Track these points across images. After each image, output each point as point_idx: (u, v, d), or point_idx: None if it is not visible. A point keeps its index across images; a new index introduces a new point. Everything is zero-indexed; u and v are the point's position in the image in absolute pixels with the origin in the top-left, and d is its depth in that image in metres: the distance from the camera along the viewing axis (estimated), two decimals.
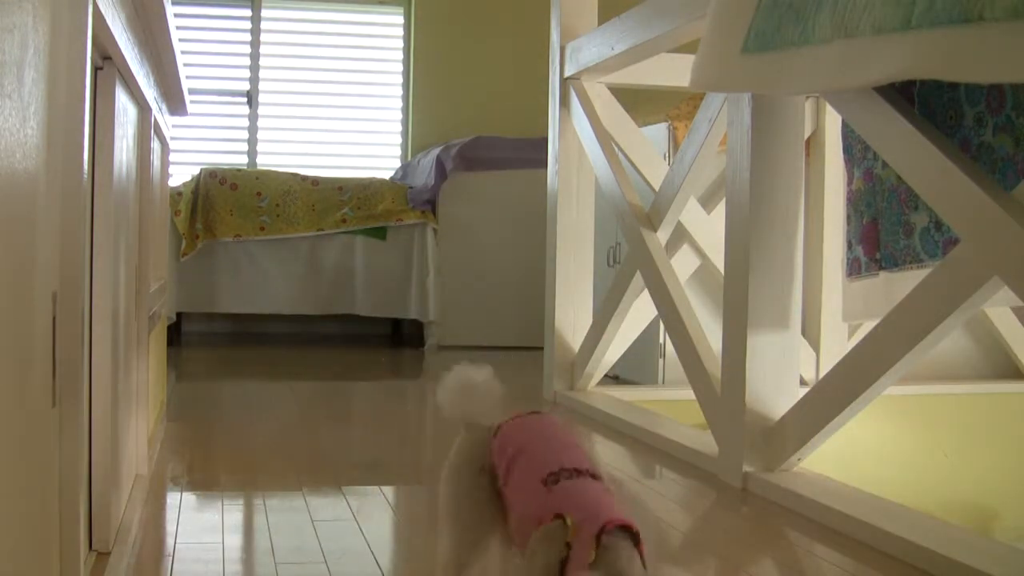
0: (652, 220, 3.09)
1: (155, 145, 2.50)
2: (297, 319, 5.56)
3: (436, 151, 5.34)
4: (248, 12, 6.01)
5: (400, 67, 6.24)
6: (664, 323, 3.00)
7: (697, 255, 3.59)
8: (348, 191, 5.24)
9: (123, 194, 1.79)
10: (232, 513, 2.12)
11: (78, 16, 1.14)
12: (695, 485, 2.46)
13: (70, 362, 1.13)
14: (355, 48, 6.22)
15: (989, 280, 1.76)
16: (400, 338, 5.60)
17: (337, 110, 6.15)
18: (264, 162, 6.01)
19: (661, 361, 3.87)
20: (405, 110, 6.22)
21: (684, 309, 2.81)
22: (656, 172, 3.40)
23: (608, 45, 3.23)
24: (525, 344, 4.95)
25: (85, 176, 1.19)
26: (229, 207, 5.12)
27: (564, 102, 3.64)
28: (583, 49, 3.46)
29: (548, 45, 3.74)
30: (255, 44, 6.03)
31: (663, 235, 3.08)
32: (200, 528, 1.99)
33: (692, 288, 3.65)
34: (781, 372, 2.40)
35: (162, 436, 2.84)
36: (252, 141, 6.04)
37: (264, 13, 6.03)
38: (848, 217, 2.49)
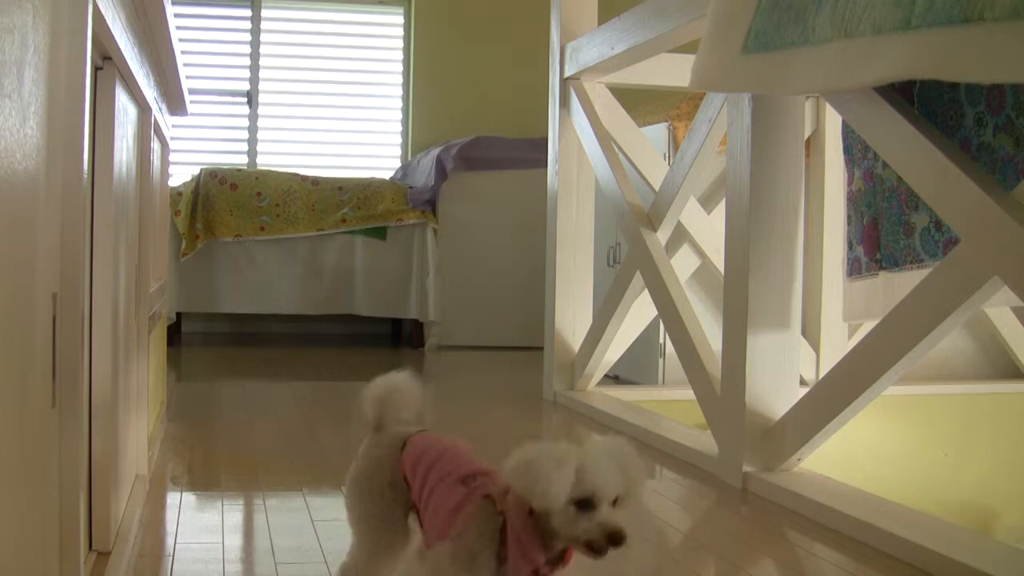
0: (652, 220, 3.09)
1: (155, 145, 2.50)
2: (297, 319, 5.57)
3: (436, 151, 5.34)
4: (248, 12, 6.01)
5: (400, 67, 6.24)
6: (664, 323, 3.00)
7: (697, 255, 3.59)
8: (348, 191, 5.24)
9: (123, 194, 1.79)
10: (232, 513, 2.12)
11: (78, 16, 1.14)
12: (695, 485, 2.46)
13: (70, 362, 1.13)
14: (355, 48, 6.22)
15: (989, 280, 1.76)
16: (400, 338, 5.60)
17: (337, 110, 6.15)
18: (264, 162, 6.01)
19: (661, 361, 3.87)
20: (405, 110, 6.22)
21: (684, 309, 2.81)
22: (656, 172, 3.40)
23: (608, 45, 3.23)
24: (525, 344, 4.95)
25: (85, 176, 1.19)
26: (229, 207, 5.12)
27: (564, 102, 3.64)
28: (583, 49, 3.46)
29: (548, 45, 3.74)
30: (255, 44, 6.03)
31: (663, 235, 3.08)
32: (200, 528, 1.99)
33: (692, 288, 3.65)
34: (781, 372, 2.40)
35: (162, 436, 2.84)
36: (252, 141, 6.04)
37: (264, 13, 6.03)
38: (848, 217, 2.49)
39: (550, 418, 3.42)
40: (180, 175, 5.37)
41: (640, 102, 4.32)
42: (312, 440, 3.03)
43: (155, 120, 2.37)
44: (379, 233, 5.21)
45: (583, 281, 3.69)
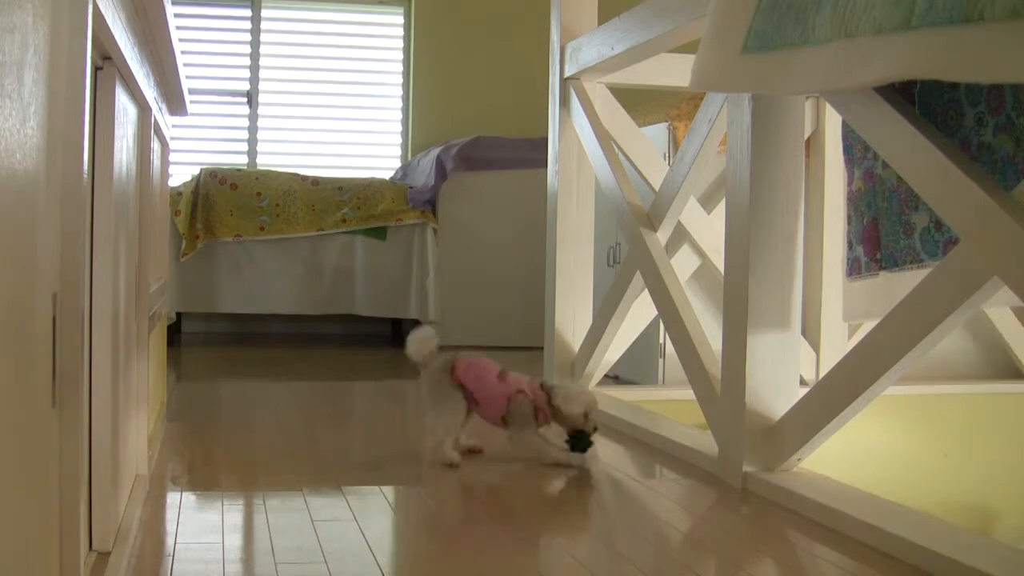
0: (652, 220, 3.09)
1: (155, 145, 2.50)
2: (297, 319, 5.57)
3: (436, 151, 5.34)
4: (248, 12, 6.01)
5: (400, 67, 6.24)
6: (664, 323, 3.00)
7: (697, 255, 3.59)
8: (348, 191, 5.24)
9: (123, 194, 1.79)
10: (232, 513, 2.12)
11: (78, 16, 1.14)
12: (695, 485, 2.46)
13: (70, 362, 1.13)
14: (355, 48, 6.22)
15: (989, 280, 1.76)
16: (400, 338, 5.58)
17: (337, 110, 6.15)
18: (264, 162, 6.01)
19: (661, 361, 3.87)
20: (405, 110, 6.22)
21: (684, 309, 2.81)
22: (656, 172, 3.40)
23: (608, 45, 3.23)
24: (525, 344, 4.95)
25: (85, 176, 1.19)
26: (229, 207, 5.12)
27: (564, 102, 3.64)
28: (583, 49, 3.46)
29: (548, 45, 3.74)
30: (255, 44, 6.03)
31: (663, 235, 3.08)
32: (200, 528, 1.99)
33: (692, 288, 3.65)
34: (781, 372, 2.40)
35: (162, 436, 2.84)
36: (252, 141, 6.04)
37: (264, 13, 6.03)
38: (848, 217, 2.49)
39: None
40: (180, 175, 5.37)
41: (640, 102, 4.32)
42: (312, 440, 3.03)
43: (155, 120, 2.37)
44: (379, 233, 5.21)
45: (583, 281, 3.69)
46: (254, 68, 6.02)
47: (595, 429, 2.59)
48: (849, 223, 2.48)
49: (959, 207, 1.81)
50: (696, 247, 3.56)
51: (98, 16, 1.29)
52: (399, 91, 6.23)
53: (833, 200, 3.63)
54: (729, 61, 2.28)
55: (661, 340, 3.82)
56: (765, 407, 2.38)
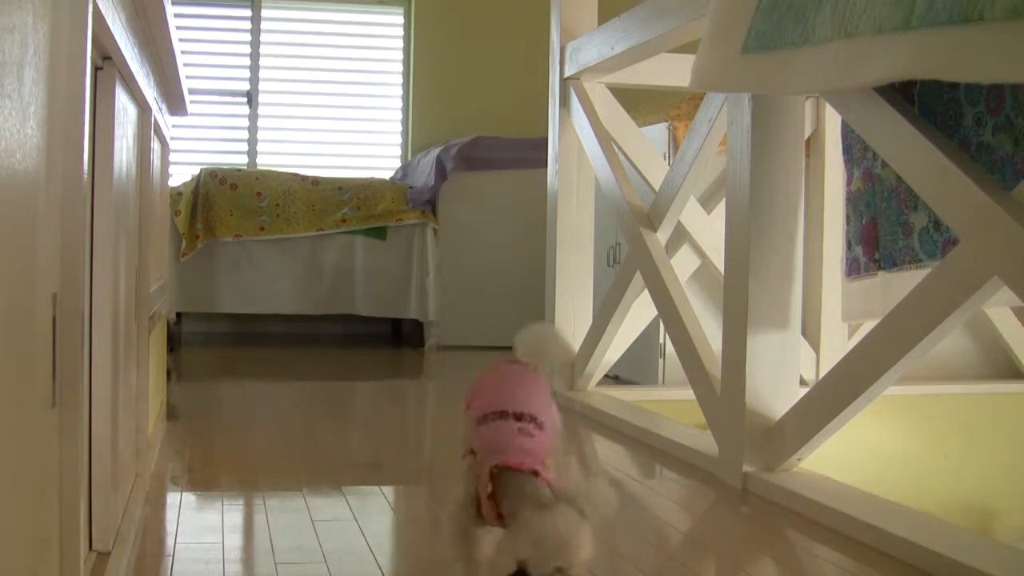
0: (652, 220, 3.09)
1: (155, 145, 2.50)
2: (297, 319, 5.56)
3: (436, 151, 5.34)
4: (248, 12, 6.01)
5: (400, 67, 6.24)
6: (664, 323, 3.00)
7: (697, 255, 3.59)
8: (348, 191, 5.24)
9: (123, 194, 1.79)
10: (232, 513, 2.12)
11: (78, 16, 1.14)
12: (695, 485, 2.46)
13: (70, 362, 1.13)
14: (355, 48, 6.22)
15: (989, 280, 1.76)
16: (400, 338, 5.60)
17: (337, 110, 6.15)
18: (264, 162, 6.01)
19: (661, 361, 3.87)
20: (405, 110, 6.22)
21: (684, 309, 2.81)
22: (656, 172, 3.40)
23: (608, 45, 3.23)
24: None
25: (85, 176, 1.19)
26: (229, 207, 5.12)
27: (564, 102, 3.64)
28: (583, 49, 3.46)
29: (548, 45, 3.74)
30: (255, 44, 6.03)
31: (663, 235, 3.08)
32: (200, 528, 1.99)
33: (692, 288, 3.65)
34: (781, 372, 2.40)
35: (162, 436, 2.84)
36: (252, 141, 6.04)
37: (264, 13, 6.03)
38: (848, 217, 2.49)
39: None
40: (180, 175, 5.37)
41: (640, 102, 4.32)
42: (312, 440, 3.03)
43: (155, 120, 2.37)
44: (379, 233, 5.21)
45: (583, 281, 3.69)
46: (254, 68, 6.02)
47: None
48: (848, 223, 2.48)
49: (959, 207, 1.81)
50: (696, 247, 3.56)
51: (98, 16, 1.29)
52: (399, 91, 6.23)
53: (833, 200, 3.63)
54: (729, 61, 2.28)
55: (661, 340, 3.82)
56: (765, 407, 2.38)
